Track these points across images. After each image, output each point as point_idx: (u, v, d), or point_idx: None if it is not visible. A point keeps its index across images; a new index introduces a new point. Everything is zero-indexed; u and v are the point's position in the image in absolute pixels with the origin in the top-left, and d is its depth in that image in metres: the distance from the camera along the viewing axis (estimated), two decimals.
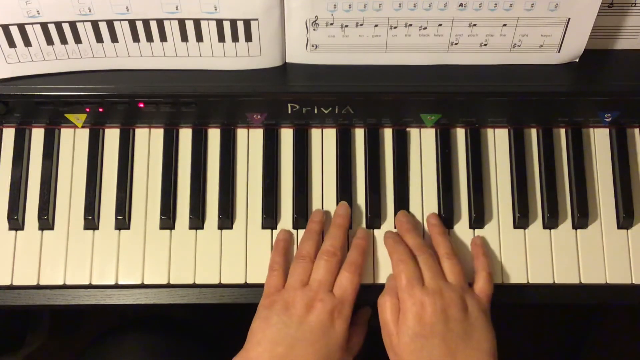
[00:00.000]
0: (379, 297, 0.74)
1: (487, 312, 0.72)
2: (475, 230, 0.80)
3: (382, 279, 0.78)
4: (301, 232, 0.79)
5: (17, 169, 0.80)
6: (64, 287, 0.78)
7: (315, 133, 0.83)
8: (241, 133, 0.82)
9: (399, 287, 0.72)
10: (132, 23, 0.73)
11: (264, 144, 0.82)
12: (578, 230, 0.80)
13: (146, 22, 0.73)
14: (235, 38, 0.75)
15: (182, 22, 0.73)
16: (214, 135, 0.82)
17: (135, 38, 0.74)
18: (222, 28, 0.74)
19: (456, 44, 0.76)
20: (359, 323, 0.77)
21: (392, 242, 0.76)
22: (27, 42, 0.74)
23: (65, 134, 0.82)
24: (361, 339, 0.76)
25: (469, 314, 0.70)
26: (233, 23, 0.73)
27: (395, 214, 0.80)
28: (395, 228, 0.80)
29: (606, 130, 0.83)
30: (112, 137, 0.82)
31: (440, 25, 0.75)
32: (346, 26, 0.75)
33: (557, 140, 0.83)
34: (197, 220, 0.79)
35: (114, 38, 0.74)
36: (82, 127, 0.82)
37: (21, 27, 0.72)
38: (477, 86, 0.78)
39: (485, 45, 0.77)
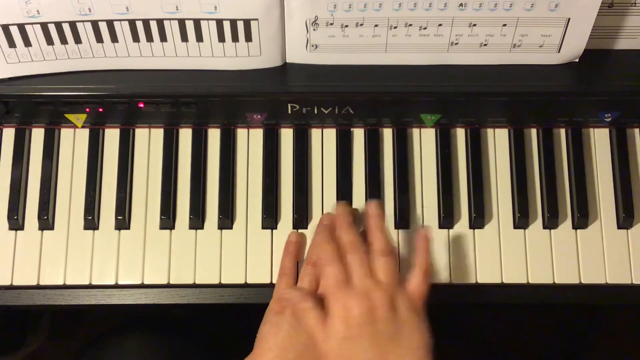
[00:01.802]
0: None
1: (418, 311, 0.69)
2: (475, 230, 0.80)
3: None
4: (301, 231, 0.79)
5: (17, 169, 0.80)
6: (64, 287, 0.78)
7: (315, 133, 0.83)
8: (241, 133, 0.82)
9: (325, 290, 0.70)
10: (132, 23, 0.73)
11: (264, 144, 0.82)
12: (578, 230, 0.80)
13: (146, 22, 0.73)
14: (235, 38, 0.75)
15: (182, 22, 0.73)
16: (214, 135, 0.82)
17: (135, 38, 0.74)
18: (222, 28, 0.74)
19: (456, 44, 0.77)
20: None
21: (320, 241, 0.74)
22: (27, 42, 0.74)
23: (65, 134, 0.82)
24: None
25: (398, 313, 0.68)
26: (233, 23, 0.73)
27: (395, 214, 0.80)
28: (395, 228, 0.80)
29: (606, 130, 0.83)
30: (112, 137, 0.82)
31: (440, 25, 0.75)
32: (346, 26, 0.75)
33: (557, 140, 0.83)
34: (197, 220, 0.79)
35: (114, 38, 0.74)
36: (82, 127, 0.82)
37: (21, 27, 0.72)
38: (477, 86, 0.78)
39: (485, 45, 0.77)
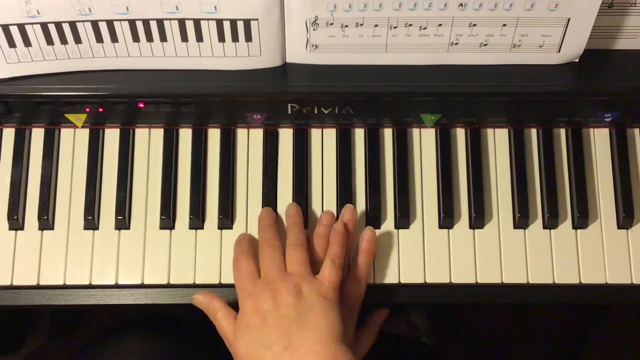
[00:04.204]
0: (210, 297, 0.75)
1: (327, 297, 0.70)
2: (475, 230, 0.80)
3: (379, 278, 0.78)
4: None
5: (17, 169, 0.80)
6: (64, 287, 0.78)
7: (315, 133, 0.83)
8: (241, 133, 0.82)
9: (236, 285, 0.73)
10: (132, 23, 0.73)
11: (264, 144, 0.82)
12: (578, 230, 0.80)
13: (146, 22, 0.73)
14: (235, 38, 0.75)
15: (182, 22, 0.73)
16: (214, 135, 0.82)
17: (135, 38, 0.75)
18: (222, 28, 0.74)
19: (456, 44, 0.77)
20: (370, 325, 0.77)
21: (237, 240, 0.77)
22: (27, 42, 0.74)
23: (65, 134, 0.82)
24: (369, 342, 0.76)
25: (303, 298, 0.69)
26: (233, 23, 0.73)
27: (395, 214, 0.80)
28: (395, 228, 0.80)
29: (606, 130, 0.83)
30: (112, 137, 0.82)
31: (440, 25, 0.75)
32: (346, 26, 0.75)
33: (557, 140, 0.83)
34: (197, 220, 0.79)
35: (114, 38, 0.74)
36: (82, 127, 0.82)
37: (21, 27, 0.72)
38: (477, 86, 0.78)
39: (485, 45, 0.77)
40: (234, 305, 0.74)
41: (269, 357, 0.66)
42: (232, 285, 0.78)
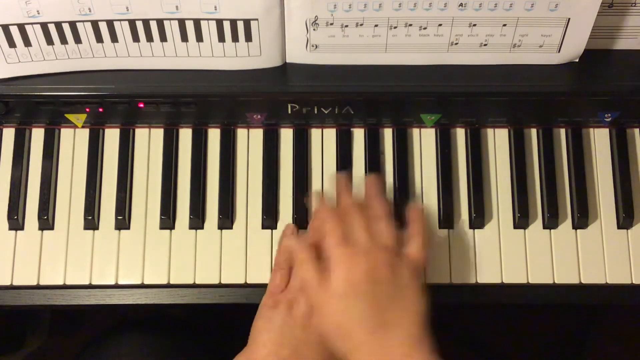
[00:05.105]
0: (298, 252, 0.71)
1: (418, 277, 0.69)
2: (475, 230, 0.80)
3: None
4: (302, 232, 0.79)
5: (17, 169, 0.80)
6: (64, 287, 0.78)
7: (315, 133, 0.83)
8: (241, 133, 0.82)
9: (326, 246, 0.69)
10: (132, 23, 0.73)
11: (264, 144, 0.82)
12: (578, 230, 0.80)
13: (146, 22, 0.73)
14: (235, 38, 0.75)
15: (182, 22, 0.73)
16: (214, 135, 0.82)
17: (135, 38, 0.75)
18: (222, 28, 0.74)
19: (456, 44, 0.77)
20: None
21: (320, 203, 0.75)
22: (27, 42, 0.74)
23: (65, 134, 0.82)
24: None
25: (399, 274, 0.67)
26: (233, 23, 0.73)
27: (395, 214, 0.80)
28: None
29: (606, 130, 0.83)
30: (112, 137, 0.82)
31: (440, 25, 0.75)
32: (346, 26, 0.75)
33: (557, 140, 0.83)
34: (197, 220, 0.79)
35: (114, 38, 0.74)
36: (82, 127, 0.82)
37: (21, 27, 0.72)
38: (477, 86, 0.78)
39: (485, 45, 0.77)
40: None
41: (361, 332, 0.64)
42: (231, 285, 0.78)
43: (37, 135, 0.82)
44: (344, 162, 0.81)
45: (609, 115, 0.81)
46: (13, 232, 0.79)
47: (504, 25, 0.75)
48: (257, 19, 0.73)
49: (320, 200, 0.76)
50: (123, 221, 0.79)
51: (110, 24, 0.73)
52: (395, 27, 0.75)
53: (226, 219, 0.79)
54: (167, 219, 0.79)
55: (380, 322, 0.64)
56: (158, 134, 0.82)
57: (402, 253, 0.70)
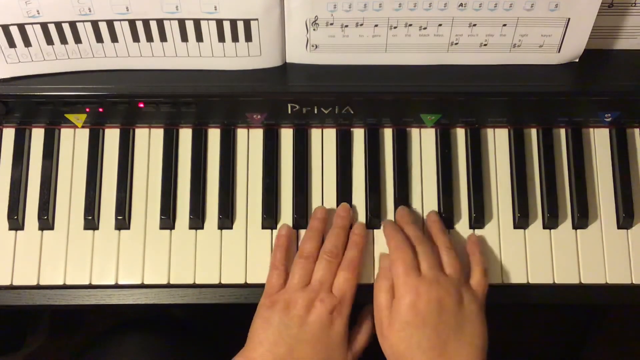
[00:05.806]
0: (375, 279, 0.74)
1: (482, 307, 0.71)
2: (475, 230, 0.80)
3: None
4: (302, 232, 0.79)
5: (17, 169, 0.80)
6: (64, 287, 0.78)
7: (315, 133, 0.83)
8: (241, 133, 0.82)
9: (394, 274, 0.71)
10: (132, 23, 0.73)
11: (264, 144, 0.82)
12: (578, 230, 0.80)
13: (146, 22, 0.73)
14: (235, 38, 0.75)
15: (182, 22, 0.73)
16: (214, 135, 0.82)
17: (135, 38, 0.75)
18: (222, 28, 0.74)
19: (456, 44, 0.76)
20: (363, 323, 0.76)
21: (391, 229, 0.76)
22: (27, 42, 0.74)
23: (65, 134, 0.82)
24: (365, 338, 0.75)
25: (464, 307, 0.70)
26: (233, 23, 0.73)
27: (395, 214, 0.80)
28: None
29: (606, 130, 0.83)
30: (112, 137, 0.82)
31: (440, 25, 0.75)
32: (346, 26, 0.75)
33: (557, 140, 0.83)
34: (197, 220, 0.79)
35: (114, 38, 0.74)
36: (82, 127, 0.82)
37: (21, 27, 0.72)
38: (477, 86, 0.78)
39: (485, 45, 0.77)
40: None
41: None
42: (231, 285, 0.78)
43: (37, 135, 0.82)
44: (344, 162, 0.81)
45: (609, 115, 0.81)
46: (13, 232, 0.79)
47: (504, 25, 0.75)
48: (257, 19, 0.73)
49: (393, 227, 0.76)
50: (123, 221, 0.79)
51: (110, 24, 0.73)
52: (395, 27, 0.75)
53: (226, 219, 0.79)
54: (167, 219, 0.79)
55: (441, 354, 0.66)
56: (158, 134, 0.82)
57: (466, 284, 0.72)
